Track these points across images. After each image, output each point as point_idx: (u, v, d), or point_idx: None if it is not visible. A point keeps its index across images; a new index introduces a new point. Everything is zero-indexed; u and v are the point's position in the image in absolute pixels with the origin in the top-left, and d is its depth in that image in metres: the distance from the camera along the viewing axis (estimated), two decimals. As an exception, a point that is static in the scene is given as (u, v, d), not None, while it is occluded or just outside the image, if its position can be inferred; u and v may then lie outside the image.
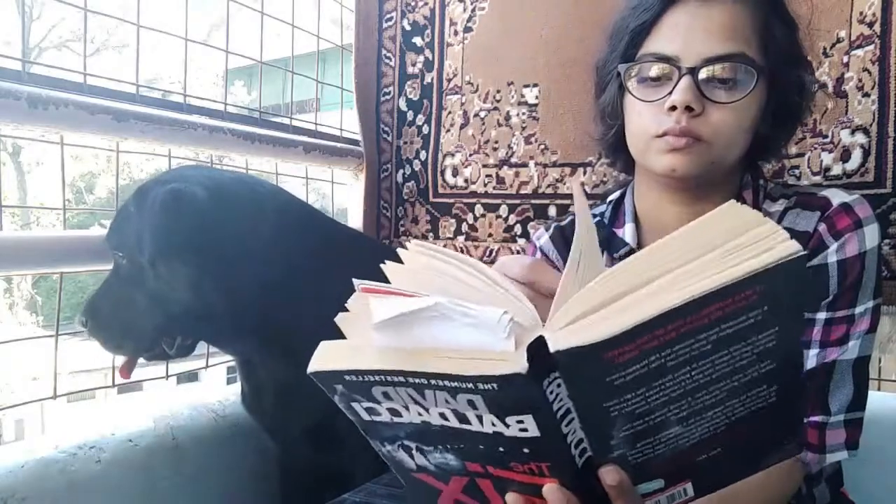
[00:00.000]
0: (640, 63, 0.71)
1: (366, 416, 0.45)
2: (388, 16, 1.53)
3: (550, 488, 0.43)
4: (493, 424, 0.40)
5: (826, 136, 1.07)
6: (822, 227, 0.70)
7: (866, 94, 1.02)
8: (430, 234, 1.48)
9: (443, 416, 0.42)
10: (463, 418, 0.41)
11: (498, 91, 1.39)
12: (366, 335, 0.41)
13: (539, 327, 0.39)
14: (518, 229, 1.37)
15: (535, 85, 1.35)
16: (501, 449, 0.42)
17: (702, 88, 0.67)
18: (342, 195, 1.60)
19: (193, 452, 1.05)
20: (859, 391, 0.67)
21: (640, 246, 0.81)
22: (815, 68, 1.06)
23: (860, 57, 1.03)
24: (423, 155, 1.50)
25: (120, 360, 0.98)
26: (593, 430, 0.41)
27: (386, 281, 0.45)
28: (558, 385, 0.39)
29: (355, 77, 1.52)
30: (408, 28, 1.51)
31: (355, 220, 1.53)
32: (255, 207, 0.94)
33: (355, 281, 0.46)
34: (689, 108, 0.67)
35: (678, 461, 0.43)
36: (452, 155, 1.46)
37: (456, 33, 1.45)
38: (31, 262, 0.94)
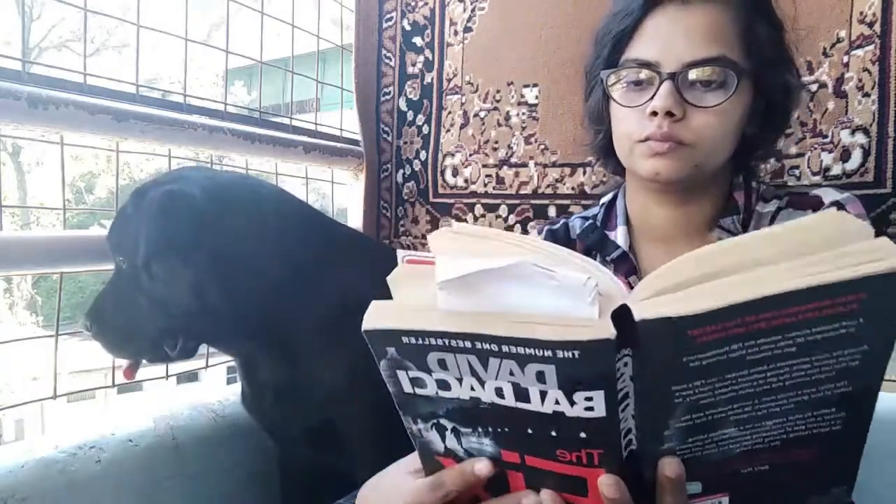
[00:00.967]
0: (622, 69, 0.71)
1: (407, 388, 0.43)
2: (388, 16, 1.53)
3: (608, 479, 0.41)
4: (557, 403, 0.39)
5: (826, 136, 1.07)
6: None
7: (866, 94, 1.02)
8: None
9: (499, 391, 0.40)
10: (522, 394, 0.39)
11: (498, 91, 1.39)
12: (423, 298, 0.39)
13: (621, 297, 0.38)
14: (518, 229, 1.37)
15: (535, 85, 1.35)
16: (554, 433, 0.41)
17: (683, 92, 0.67)
18: (342, 195, 1.60)
19: (193, 452, 1.05)
20: None
21: (631, 249, 0.80)
22: (815, 68, 1.06)
23: (860, 57, 1.03)
24: (423, 155, 1.50)
25: (121, 361, 0.98)
26: (650, 417, 0.40)
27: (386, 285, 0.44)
28: (625, 364, 0.37)
29: (355, 77, 1.52)
30: (408, 28, 1.51)
31: (355, 220, 1.53)
32: (253, 209, 0.94)
33: (399, 252, 0.44)
34: (669, 114, 0.67)
35: (723, 467, 0.42)
36: (452, 155, 1.46)
37: (456, 33, 1.45)
38: (31, 262, 0.94)
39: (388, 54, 1.54)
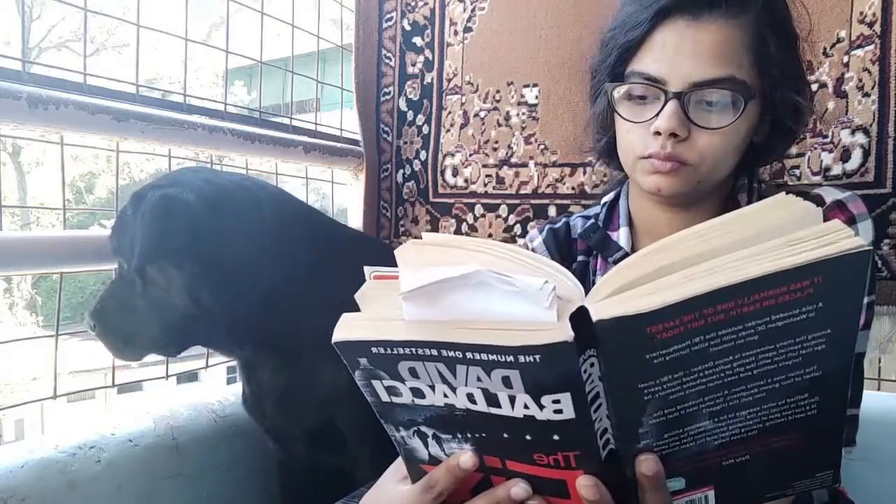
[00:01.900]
0: (627, 83, 0.70)
1: (385, 397, 0.43)
2: (388, 16, 1.53)
3: (586, 480, 0.41)
4: (526, 407, 0.39)
5: (826, 136, 1.07)
6: None
7: (866, 94, 1.02)
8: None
9: (470, 397, 0.40)
10: (493, 400, 0.39)
11: (498, 91, 1.39)
12: (391, 310, 0.39)
13: (579, 298, 0.38)
14: (518, 229, 1.37)
15: (535, 85, 1.35)
16: (528, 437, 0.41)
17: (689, 112, 0.65)
18: (342, 195, 1.60)
19: (193, 452, 1.05)
20: (855, 388, 0.67)
21: (633, 250, 0.80)
22: (815, 68, 1.06)
23: (860, 57, 1.03)
24: (423, 155, 1.50)
25: (121, 361, 0.98)
26: (622, 415, 0.40)
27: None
28: (591, 364, 0.37)
29: (355, 77, 1.52)
30: (408, 28, 1.51)
31: (355, 220, 1.53)
32: (251, 212, 0.93)
33: (366, 268, 0.45)
34: (674, 135, 0.66)
35: (703, 460, 0.42)
36: (452, 155, 1.46)
37: (456, 33, 1.45)
38: (31, 262, 0.94)
39: (388, 54, 1.54)
